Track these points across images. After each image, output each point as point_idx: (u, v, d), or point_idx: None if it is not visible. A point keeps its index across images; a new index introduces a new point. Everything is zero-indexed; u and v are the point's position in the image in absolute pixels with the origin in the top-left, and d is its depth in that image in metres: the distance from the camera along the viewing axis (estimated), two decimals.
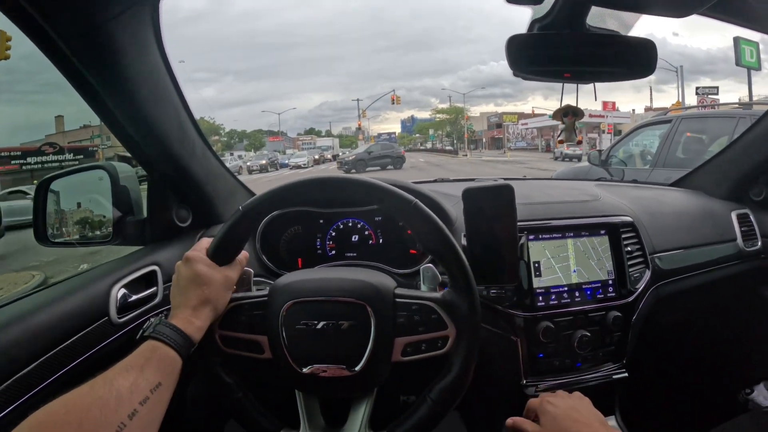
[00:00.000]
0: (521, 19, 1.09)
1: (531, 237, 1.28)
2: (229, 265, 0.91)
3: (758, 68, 19.08)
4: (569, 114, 1.19)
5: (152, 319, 0.83)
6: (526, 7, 1.07)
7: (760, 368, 1.78)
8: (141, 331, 0.84)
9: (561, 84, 1.15)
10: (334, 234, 1.45)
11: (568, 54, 1.06)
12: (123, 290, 1.09)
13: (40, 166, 29.57)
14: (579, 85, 1.16)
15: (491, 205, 0.98)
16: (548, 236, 1.30)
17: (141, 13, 0.96)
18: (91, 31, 0.89)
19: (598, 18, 1.08)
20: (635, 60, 1.09)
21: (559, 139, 1.22)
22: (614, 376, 1.31)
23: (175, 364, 0.77)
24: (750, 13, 1.10)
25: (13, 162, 28.81)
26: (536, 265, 1.27)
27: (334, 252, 1.44)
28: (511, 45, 1.02)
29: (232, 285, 0.92)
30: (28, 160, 29.47)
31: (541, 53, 1.05)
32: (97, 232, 1.35)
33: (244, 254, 0.96)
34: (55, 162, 30.48)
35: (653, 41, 1.08)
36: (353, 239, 1.44)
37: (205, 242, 0.93)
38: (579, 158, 23.89)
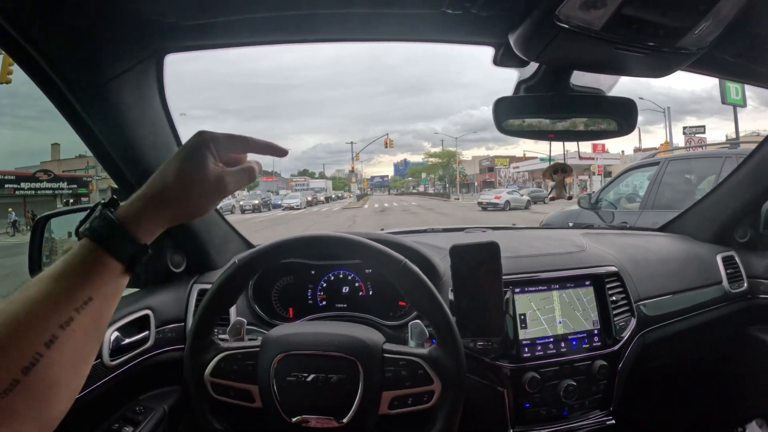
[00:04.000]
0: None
1: (517, 290, 1.30)
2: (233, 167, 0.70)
3: (743, 105, 19.40)
4: (558, 171, 1.23)
5: (99, 204, 0.60)
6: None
7: (751, 406, 1.78)
8: (78, 224, 0.60)
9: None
10: (325, 285, 1.47)
11: (552, 114, 1.11)
12: (116, 333, 1.10)
13: (33, 192, 29.46)
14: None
15: (478, 261, 1.01)
16: (534, 289, 1.32)
17: (146, 69, 1.01)
18: (99, 86, 0.94)
19: (582, 77, 1.13)
20: (617, 118, 1.14)
21: (551, 196, 1.25)
22: (602, 424, 1.31)
23: (112, 273, 0.58)
24: (728, 67, 1.15)
25: (6, 186, 28.66)
26: (522, 317, 1.29)
27: (324, 303, 1.46)
28: (498, 106, 1.07)
29: (221, 197, 0.69)
30: (22, 185, 29.35)
31: (527, 114, 1.10)
32: None
33: (258, 163, 0.74)
34: (48, 189, 30.40)
35: (634, 100, 1.13)
36: (344, 290, 1.46)
37: (226, 137, 0.69)
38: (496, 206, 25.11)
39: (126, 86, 0.98)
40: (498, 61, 1.08)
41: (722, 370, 1.84)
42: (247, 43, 1.05)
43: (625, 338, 1.38)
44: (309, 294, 1.47)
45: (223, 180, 0.67)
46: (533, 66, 1.09)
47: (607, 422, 1.32)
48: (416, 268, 0.91)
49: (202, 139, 0.66)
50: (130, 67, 0.96)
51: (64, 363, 0.53)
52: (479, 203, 25.38)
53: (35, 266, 1.30)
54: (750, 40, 1.01)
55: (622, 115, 1.14)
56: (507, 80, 1.15)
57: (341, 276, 1.47)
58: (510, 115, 1.09)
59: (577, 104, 1.13)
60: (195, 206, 0.66)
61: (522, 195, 25.92)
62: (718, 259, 1.75)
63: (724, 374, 1.84)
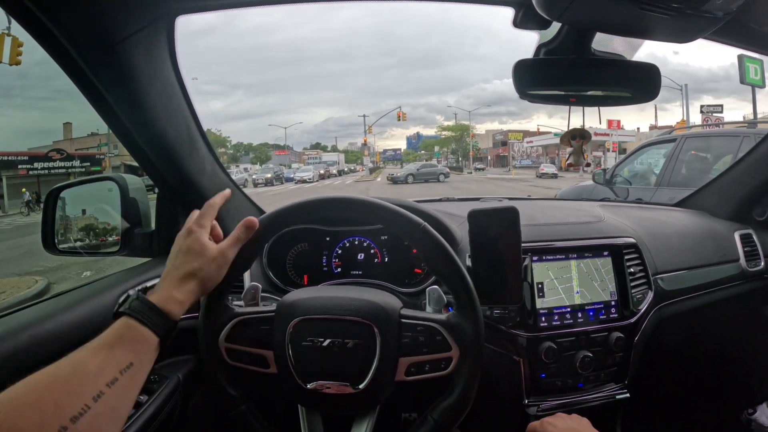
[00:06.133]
0: (528, 38, 1.11)
1: (535, 258, 1.29)
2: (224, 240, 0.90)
3: (762, 86, 19.00)
4: (577, 137, 1.20)
5: (130, 292, 0.79)
6: (533, 32, 1.09)
7: (763, 388, 1.78)
8: (116, 305, 0.78)
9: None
10: (340, 252, 1.46)
11: (573, 79, 1.08)
12: None
13: (46, 171, 29.72)
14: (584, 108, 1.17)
15: (496, 226, 0.99)
16: (552, 257, 1.31)
17: (157, 31, 0.99)
18: (108, 47, 0.92)
19: (604, 42, 1.09)
20: (640, 85, 1.11)
21: (569, 162, 1.22)
22: (616, 397, 1.31)
23: (149, 344, 0.73)
24: (753, 37, 1.11)
25: (20, 167, 28.93)
26: (539, 286, 1.28)
27: (339, 270, 1.46)
28: (517, 69, 1.04)
29: (228, 263, 0.88)
30: (35, 165, 29.60)
31: (547, 78, 1.07)
32: (105, 243, 1.37)
33: (251, 220, 0.92)
34: (62, 168, 30.62)
35: (657, 66, 1.10)
36: (359, 257, 1.45)
37: (211, 215, 0.92)
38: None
39: (137, 48, 0.96)
40: (518, 23, 1.05)
41: (736, 349, 1.83)
42: (257, 2, 1.02)
43: (642, 311, 1.36)
44: (324, 261, 1.46)
45: (225, 253, 0.87)
46: (554, 28, 1.06)
47: (621, 395, 1.32)
48: (435, 232, 0.89)
49: (196, 233, 0.86)
50: (141, 28, 0.94)
51: (107, 415, 0.63)
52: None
53: (49, 240, 1.30)
54: None
55: (645, 81, 1.11)
56: (524, 52, 1.12)
57: (356, 243, 1.46)
58: (530, 78, 1.06)
59: (598, 68, 1.09)
60: (211, 280, 0.85)
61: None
62: (736, 236, 1.73)
63: (737, 354, 1.83)
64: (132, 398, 0.69)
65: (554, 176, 31.02)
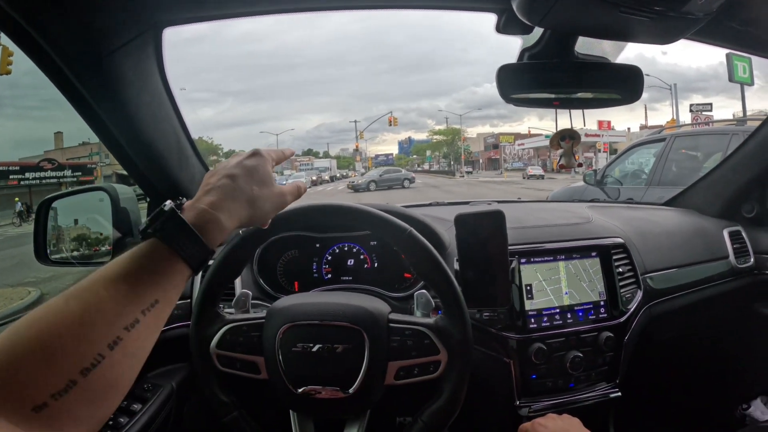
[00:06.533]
0: (516, 42, 1.12)
1: (523, 260, 1.30)
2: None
3: (751, 84, 19.05)
4: (566, 138, 1.20)
5: (165, 206, 0.60)
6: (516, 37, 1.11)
7: (756, 383, 1.78)
8: (146, 223, 0.59)
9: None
10: (330, 258, 1.46)
11: (556, 82, 1.09)
12: None
13: (38, 181, 29.58)
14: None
15: (483, 230, 1.01)
16: (540, 259, 1.32)
17: (144, 43, 1.00)
18: (96, 60, 0.93)
19: (587, 45, 1.11)
20: (622, 86, 1.12)
21: (560, 164, 1.23)
22: (609, 396, 1.32)
23: (181, 277, 0.58)
24: (736, 36, 1.12)
25: (11, 177, 28.79)
26: (528, 287, 1.28)
27: (329, 276, 1.46)
28: (501, 74, 1.05)
29: (281, 209, 0.74)
30: (27, 175, 29.46)
31: (531, 82, 1.08)
32: (97, 253, 1.37)
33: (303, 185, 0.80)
34: (53, 178, 30.50)
35: (640, 68, 1.11)
36: (349, 263, 1.46)
37: (279, 157, 0.78)
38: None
39: (125, 60, 0.97)
40: (501, 28, 1.06)
41: (728, 346, 1.84)
42: (245, 13, 1.03)
43: (632, 310, 1.37)
44: (314, 267, 1.46)
45: (285, 197, 0.74)
46: (537, 33, 1.07)
47: (613, 395, 1.32)
48: (421, 237, 0.90)
49: (265, 159, 0.71)
50: (129, 41, 0.95)
51: (123, 364, 0.51)
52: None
53: (41, 251, 1.30)
54: (758, 8, 0.99)
55: (628, 83, 1.12)
56: (514, 56, 1.13)
57: (346, 249, 1.47)
58: (514, 82, 1.07)
59: (581, 71, 1.10)
60: (260, 218, 0.70)
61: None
62: (725, 233, 1.73)
63: (729, 350, 1.84)
64: (154, 340, 0.56)
65: (541, 177, 32.06)
